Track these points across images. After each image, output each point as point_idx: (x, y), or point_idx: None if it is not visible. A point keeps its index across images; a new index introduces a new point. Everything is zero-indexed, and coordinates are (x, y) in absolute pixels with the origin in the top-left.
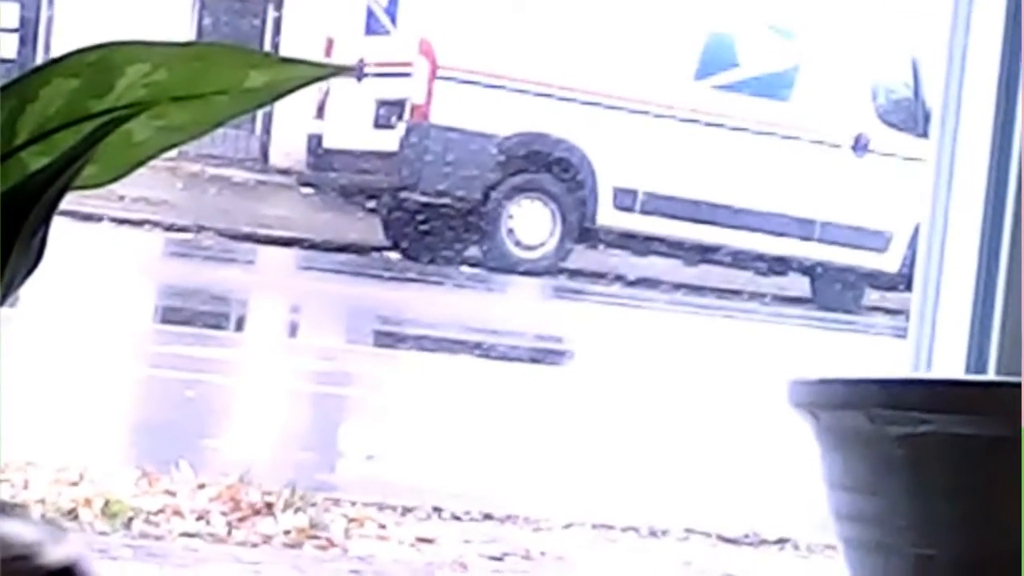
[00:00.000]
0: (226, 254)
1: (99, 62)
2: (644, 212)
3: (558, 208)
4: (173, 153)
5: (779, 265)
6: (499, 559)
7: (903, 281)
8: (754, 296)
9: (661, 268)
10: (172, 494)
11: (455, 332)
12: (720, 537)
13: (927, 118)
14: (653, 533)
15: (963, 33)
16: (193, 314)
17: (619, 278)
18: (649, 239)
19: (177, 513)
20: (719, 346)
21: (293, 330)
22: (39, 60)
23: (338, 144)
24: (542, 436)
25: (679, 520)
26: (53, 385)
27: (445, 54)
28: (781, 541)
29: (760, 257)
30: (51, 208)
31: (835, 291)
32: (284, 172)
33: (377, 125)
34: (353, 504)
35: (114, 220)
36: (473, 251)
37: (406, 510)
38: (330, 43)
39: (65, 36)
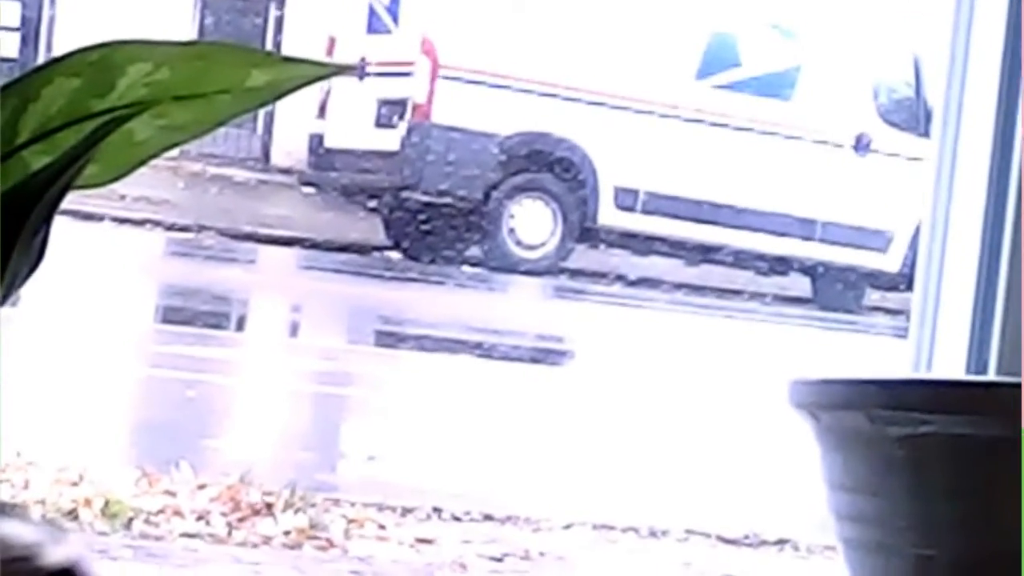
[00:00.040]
0: (227, 253)
1: (101, 61)
2: (645, 212)
3: (559, 208)
4: (174, 152)
5: (780, 265)
6: (499, 560)
7: (904, 281)
8: (755, 296)
9: (662, 268)
10: (172, 494)
11: (456, 332)
12: (720, 538)
13: (928, 118)
14: (653, 534)
15: (965, 33)
16: (194, 314)
17: (620, 278)
18: (650, 239)
19: (177, 513)
20: (720, 346)
21: (294, 330)
22: (41, 59)
23: (339, 143)
24: (542, 436)
25: (679, 521)
26: (54, 385)
27: (447, 53)
28: (781, 542)
29: (761, 257)
30: (52, 207)
31: (836, 291)
32: (285, 171)
33: (379, 124)
34: (353, 505)
35: (115, 219)
36: (474, 251)
37: (406, 511)
38: (332, 42)
39: (67, 35)
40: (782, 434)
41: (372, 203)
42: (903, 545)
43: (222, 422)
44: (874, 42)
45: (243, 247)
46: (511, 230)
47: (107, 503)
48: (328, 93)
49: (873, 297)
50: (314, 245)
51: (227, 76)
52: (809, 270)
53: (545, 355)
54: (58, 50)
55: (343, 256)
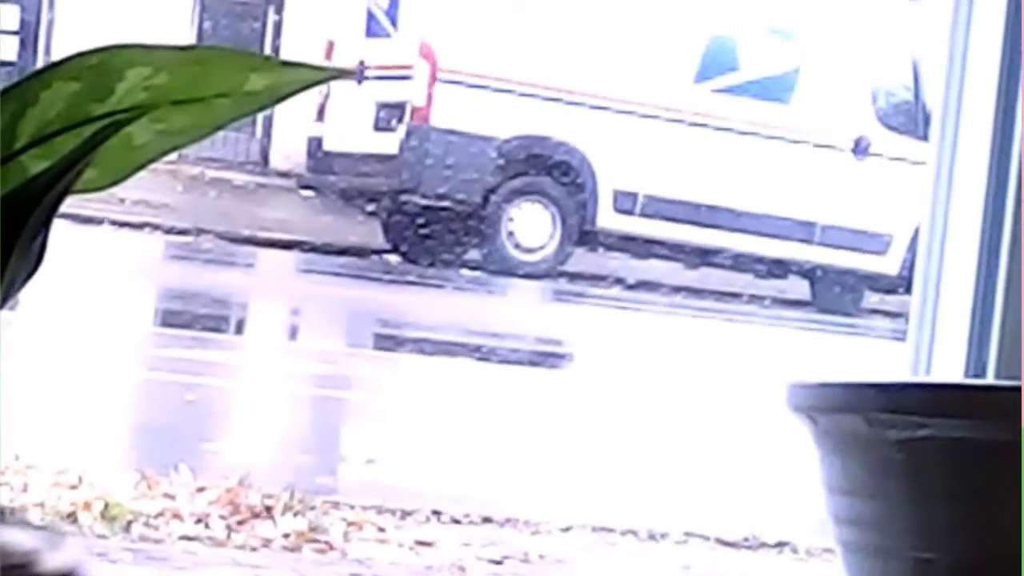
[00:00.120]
0: (226, 257)
1: (99, 65)
2: (644, 215)
3: (558, 211)
4: (173, 156)
5: (779, 268)
6: (498, 562)
7: (903, 284)
8: (754, 299)
9: (661, 271)
10: (171, 497)
11: (455, 335)
12: (719, 540)
13: (927, 121)
14: (652, 536)
15: (963, 36)
16: (193, 317)
17: (619, 281)
18: (649, 242)
19: (176, 516)
20: (719, 349)
21: (293, 333)
22: (39, 63)
23: (338, 147)
24: (541, 439)
25: (678, 523)
26: (53, 388)
27: (445, 57)
28: (780, 545)
29: (760, 260)
30: (51, 211)
31: (835, 294)
32: (284, 175)
33: (377, 128)
34: (352, 507)
35: (114, 223)
36: (473, 254)
37: (405, 513)
38: (330, 46)
39: (65, 39)
40: (781, 437)
41: (371, 206)
42: (902, 548)
43: (221, 425)
44: (873, 46)
45: (242, 250)
46: (510, 233)
47: (106, 506)
48: (327, 97)
49: (872, 300)
50: (313, 248)
51: (226, 80)
52: (808, 273)
53: (544, 358)
54: (57, 54)
55: (342, 259)
